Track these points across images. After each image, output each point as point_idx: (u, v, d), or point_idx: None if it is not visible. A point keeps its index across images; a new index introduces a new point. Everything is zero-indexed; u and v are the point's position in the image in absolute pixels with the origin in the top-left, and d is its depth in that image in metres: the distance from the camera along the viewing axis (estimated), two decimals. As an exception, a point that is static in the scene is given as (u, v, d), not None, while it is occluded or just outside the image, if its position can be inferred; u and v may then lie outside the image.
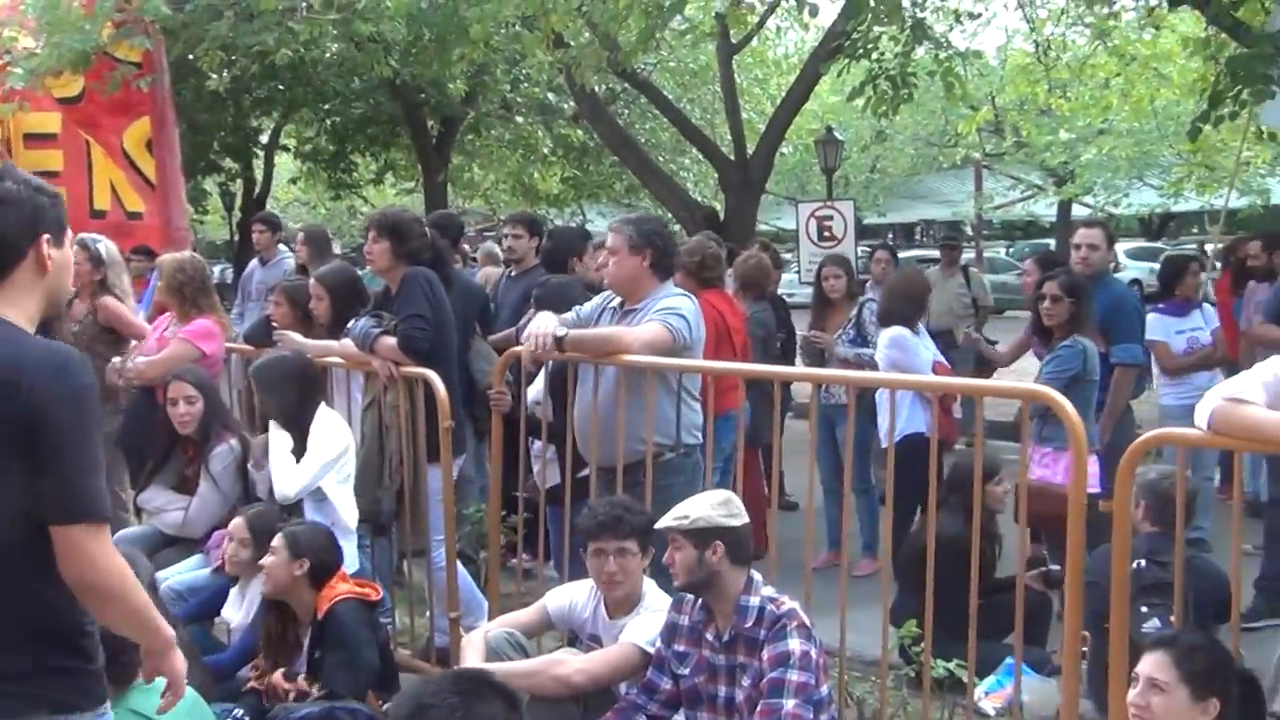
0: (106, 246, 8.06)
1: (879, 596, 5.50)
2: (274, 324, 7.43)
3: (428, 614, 6.65)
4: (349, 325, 6.59)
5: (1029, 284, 8.23)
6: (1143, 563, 5.40)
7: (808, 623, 4.62)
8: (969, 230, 43.06)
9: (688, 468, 5.92)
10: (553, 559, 6.66)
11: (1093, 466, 6.95)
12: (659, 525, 4.82)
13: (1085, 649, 5.14)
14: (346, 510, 6.14)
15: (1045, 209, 33.50)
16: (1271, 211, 25.99)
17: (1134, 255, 36.64)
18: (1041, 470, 6.96)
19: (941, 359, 8.49)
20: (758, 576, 4.80)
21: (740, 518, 4.79)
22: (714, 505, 4.77)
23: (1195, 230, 47.71)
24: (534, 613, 5.39)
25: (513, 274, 9.19)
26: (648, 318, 5.84)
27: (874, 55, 12.70)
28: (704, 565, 4.69)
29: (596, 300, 6.33)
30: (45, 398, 2.93)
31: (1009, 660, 5.73)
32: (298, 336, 6.98)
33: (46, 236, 3.14)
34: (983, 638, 5.09)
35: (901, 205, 37.80)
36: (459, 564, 6.44)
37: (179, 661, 3.28)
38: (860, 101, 12.94)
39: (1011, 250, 42.58)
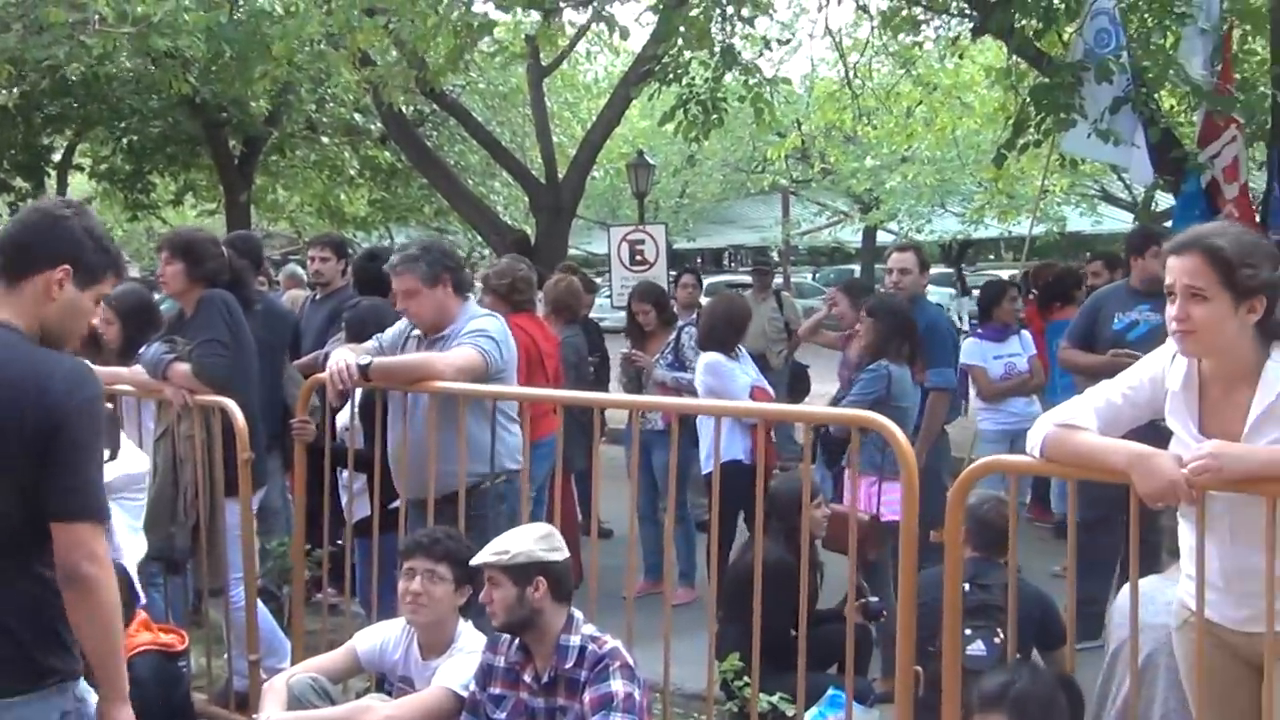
0: None
1: (697, 626, 5.34)
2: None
3: (226, 655, 6.29)
4: (140, 351, 6.21)
5: (841, 314, 8.22)
6: (966, 586, 5.34)
7: (631, 663, 4.43)
8: (775, 256, 43.65)
9: (510, 495, 5.69)
10: (358, 595, 6.36)
11: (895, 493, 6.93)
12: (475, 561, 4.59)
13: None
14: (128, 545, 5.71)
15: (851, 235, 34.08)
16: (1068, 238, 26.82)
17: (932, 281, 37.38)
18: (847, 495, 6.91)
19: (762, 383, 8.39)
20: (578, 614, 4.60)
21: (562, 552, 4.60)
22: (535, 539, 4.57)
23: (992, 257, 49.15)
24: (342, 655, 5.10)
25: (318, 297, 8.89)
26: (457, 342, 5.61)
27: (684, 80, 12.76)
28: (525, 603, 4.49)
29: (399, 326, 6.06)
30: (68, 405, 3.21)
31: (832, 691, 5.62)
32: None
33: (66, 268, 3.36)
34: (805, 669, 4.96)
35: (710, 230, 38.15)
36: (260, 602, 6.10)
37: (129, 715, 3.40)
38: (671, 126, 12.97)
39: (818, 276, 43.29)
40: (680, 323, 9.27)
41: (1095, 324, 7.71)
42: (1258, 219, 10.61)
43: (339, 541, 6.43)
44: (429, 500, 5.45)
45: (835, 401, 7.74)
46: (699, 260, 48.00)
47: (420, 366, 5.53)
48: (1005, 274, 29.62)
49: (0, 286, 3.37)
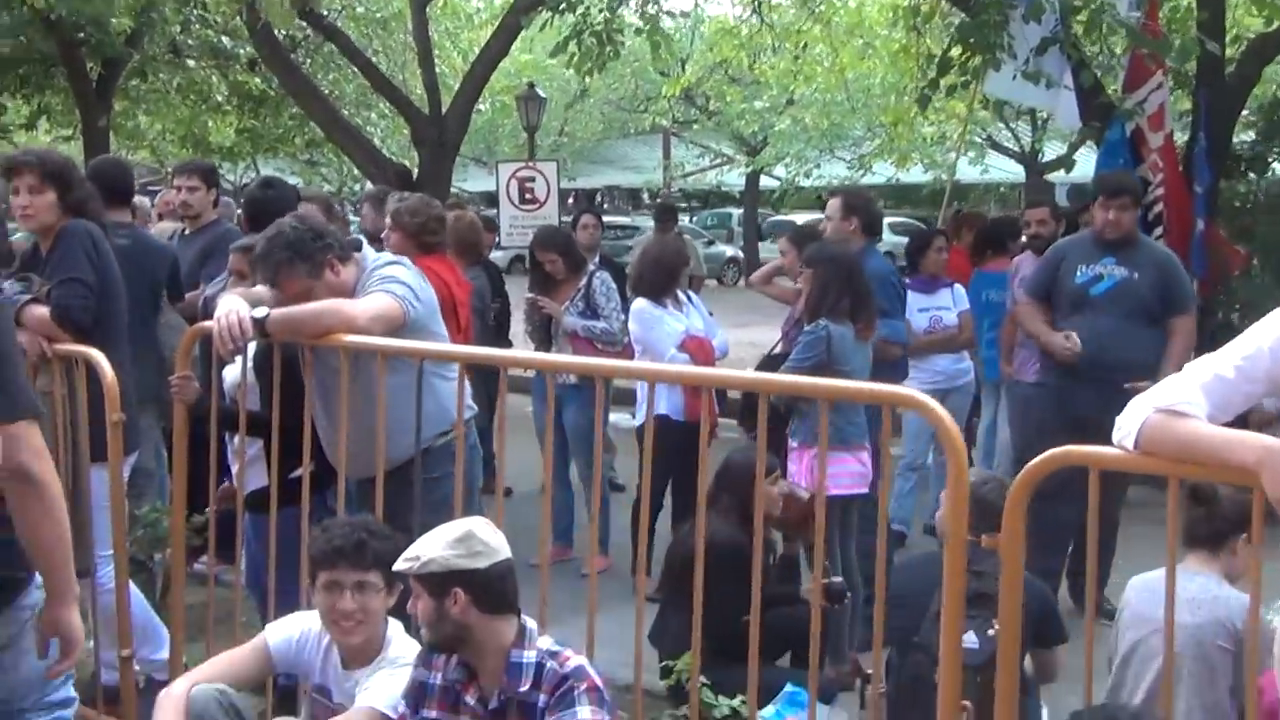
0: None
1: (614, 599, 4.59)
2: None
3: (92, 645, 5.45)
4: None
5: (790, 266, 7.50)
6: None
7: (599, 684, 3.68)
8: (646, 198, 43.00)
9: (468, 451, 4.89)
10: (249, 581, 5.54)
11: (859, 464, 6.32)
12: (396, 567, 3.83)
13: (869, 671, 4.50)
14: None
15: (735, 179, 33.40)
16: (955, 187, 26.53)
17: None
18: (792, 467, 6.28)
19: (700, 332, 7.68)
20: (532, 625, 3.82)
21: (489, 555, 3.75)
22: (448, 543, 3.73)
23: (882, 203, 49.00)
24: (251, 655, 4.27)
25: (186, 231, 7.98)
26: (365, 290, 4.84)
27: (579, 10, 12.07)
28: (445, 618, 3.71)
29: None
30: None
31: (790, 689, 5.00)
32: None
33: None
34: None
35: (588, 170, 37.31)
36: (131, 585, 5.27)
37: (78, 621, 3.39)
38: (562, 59, 12.33)
39: (695, 219, 42.67)
40: (590, 268, 8.51)
41: (1056, 276, 7.13)
42: (1181, 169, 10.22)
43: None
44: (378, 477, 4.67)
45: (769, 360, 7.09)
46: (572, 200, 47.23)
47: (328, 313, 4.70)
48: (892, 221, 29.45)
49: None
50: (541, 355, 7.79)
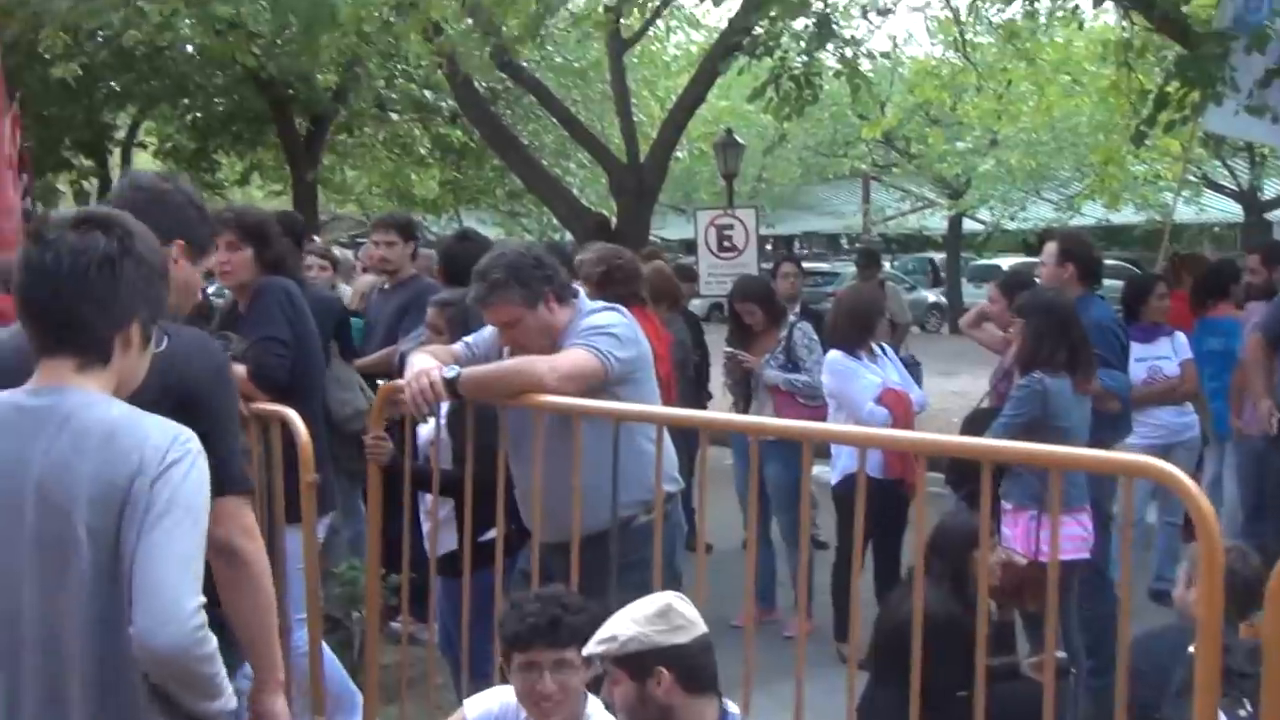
0: None
1: (818, 664, 4.26)
2: None
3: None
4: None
5: (998, 315, 7.15)
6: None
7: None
8: (844, 244, 42.45)
9: (667, 531, 4.56)
10: (441, 648, 5.40)
11: (1080, 528, 5.93)
12: (586, 651, 3.60)
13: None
14: None
15: (938, 223, 32.76)
16: (1173, 230, 25.61)
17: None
18: (1006, 530, 5.92)
19: (899, 385, 7.35)
20: (733, 709, 3.58)
21: (689, 630, 3.52)
22: (648, 619, 3.50)
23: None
24: None
25: (386, 286, 7.95)
26: (571, 341, 4.58)
27: (776, 54, 11.93)
28: (649, 702, 3.48)
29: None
30: (203, 378, 3.19)
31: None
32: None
33: (180, 243, 3.42)
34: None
35: (787, 216, 37.06)
36: (326, 648, 5.18)
37: (284, 707, 3.29)
38: (758, 104, 12.23)
39: (896, 265, 42.06)
40: (791, 319, 8.23)
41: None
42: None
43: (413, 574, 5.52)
44: (574, 544, 4.43)
45: (978, 415, 6.74)
46: (769, 247, 46.90)
47: (518, 374, 4.50)
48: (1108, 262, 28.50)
49: None
50: (743, 418, 7.43)
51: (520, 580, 4.64)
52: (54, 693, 2.57)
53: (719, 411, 8.19)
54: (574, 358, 4.48)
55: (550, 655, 3.75)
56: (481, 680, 4.66)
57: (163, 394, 2.98)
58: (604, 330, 4.56)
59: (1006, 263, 36.31)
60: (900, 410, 7.08)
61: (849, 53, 13.14)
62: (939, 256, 36.89)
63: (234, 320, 5.37)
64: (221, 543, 3.04)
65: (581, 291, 4.97)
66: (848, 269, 32.73)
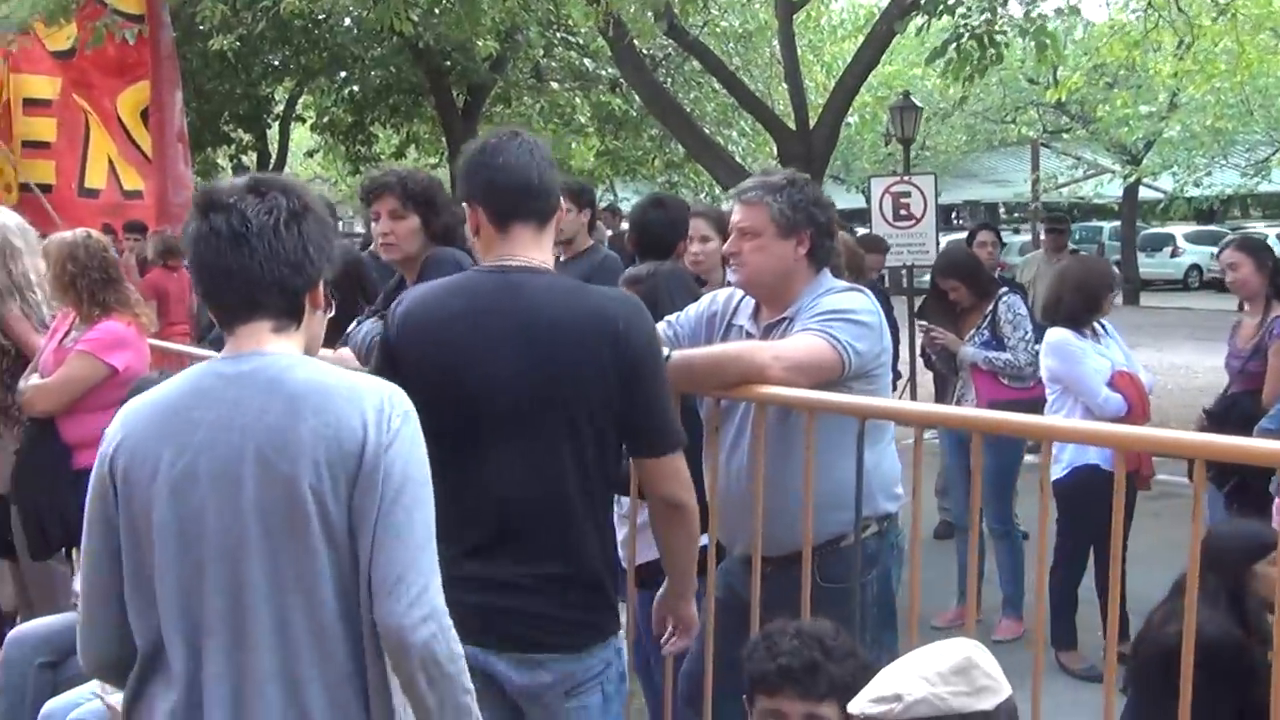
0: (5, 222, 5.83)
1: (1028, 671, 3.56)
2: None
3: None
4: (350, 328, 4.77)
5: (1243, 283, 6.38)
6: None
7: None
8: (1002, 212, 41.03)
9: (884, 553, 3.92)
10: (636, 665, 4.84)
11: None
12: (853, 709, 2.83)
13: None
14: None
15: (1113, 191, 31.36)
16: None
17: (1193, 239, 34.87)
18: (1280, 525, 5.19)
19: (1132, 367, 6.60)
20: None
21: (995, 692, 2.75)
22: (943, 677, 2.73)
23: (1237, 213, 45.81)
24: None
25: (561, 258, 7.43)
26: (800, 326, 3.85)
27: (956, 12, 11.24)
28: None
29: (702, 305, 4.24)
30: (639, 341, 3.23)
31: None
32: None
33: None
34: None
35: (952, 185, 35.97)
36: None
37: (694, 611, 3.62)
38: (924, 71, 11.48)
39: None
40: (1000, 291, 7.49)
41: None
42: None
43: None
44: (755, 557, 3.80)
45: (1226, 406, 6.01)
46: (955, 216, 45.57)
47: (737, 360, 3.78)
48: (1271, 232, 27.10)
49: (533, 227, 3.32)
50: (985, 414, 6.56)
51: (732, 599, 4.05)
52: (285, 666, 2.52)
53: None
54: (805, 345, 3.75)
55: (801, 707, 3.12)
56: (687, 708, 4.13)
57: (604, 362, 3.18)
58: (844, 315, 3.81)
59: (1180, 230, 34.94)
60: (1136, 396, 6.32)
61: (1035, 11, 12.37)
62: (1108, 225, 35.53)
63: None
64: (668, 498, 3.31)
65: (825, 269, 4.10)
66: (1013, 239, 31.66)
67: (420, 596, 2.48)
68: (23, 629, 4.93)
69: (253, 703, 2.51)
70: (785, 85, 16.72)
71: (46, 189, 11.65)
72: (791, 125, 15.59)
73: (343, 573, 2.53)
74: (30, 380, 5.56)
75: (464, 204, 3.39)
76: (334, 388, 2.55)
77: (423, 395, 2.70)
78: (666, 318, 4.17)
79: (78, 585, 4.73)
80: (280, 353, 2.60)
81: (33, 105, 11.98)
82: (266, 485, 2.49)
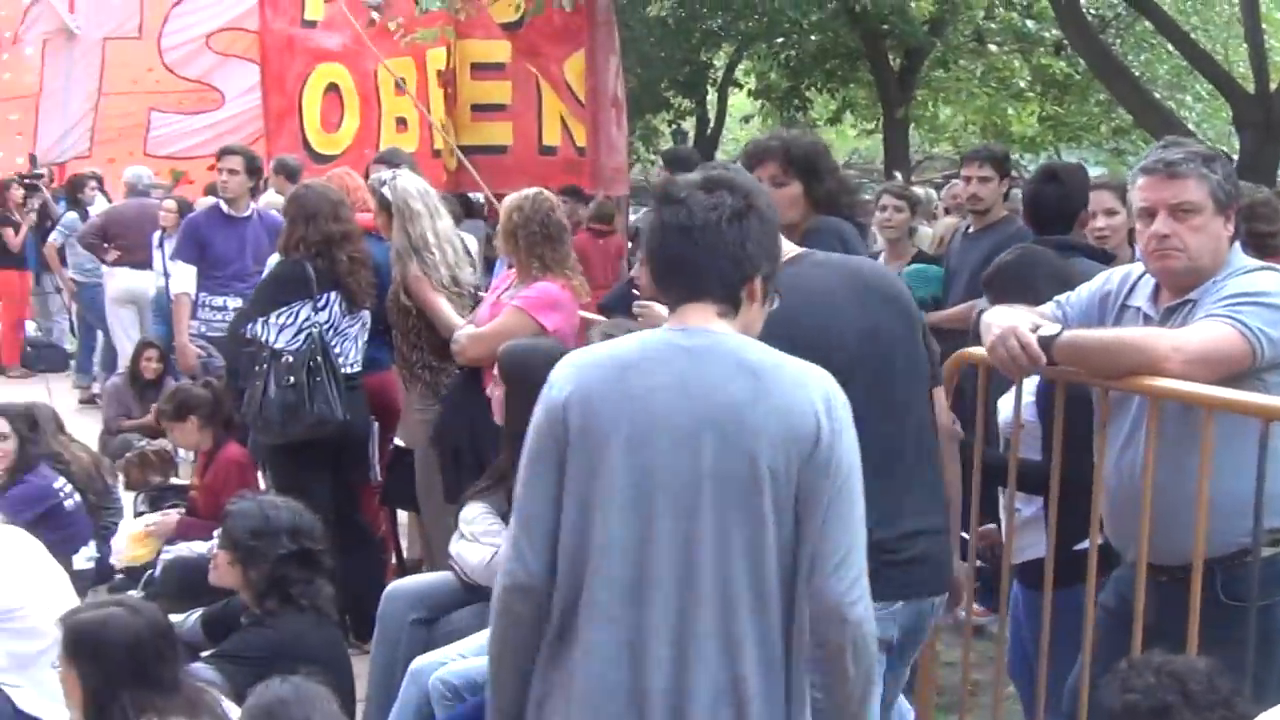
0: (405, 186, 6.16)
1: None
2: (636, 290, 5.30)
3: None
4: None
5: None
6: None
7: None
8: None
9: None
10: (1010, 666, 4.54)
11: None
12: None
13: None
14: None
15: None
16: None
17: None
18: None
19: None
20: None
21: None
22: None
23: None
24: None
25: (970, 230, 7.11)
26: (1203, 313, 3.44)
27: None
28: None
29: (1095, 284, 3.85)
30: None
31: None
32: (660, 309, 4.88)
33: None
34: None
35: None
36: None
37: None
38: None
39: None
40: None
41: None
42: None
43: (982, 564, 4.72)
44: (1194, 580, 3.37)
45: None
46: None
47: (1133, 347, 3.42)
48: None
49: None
50: None
51: (1120, 607, 3.70)
52: (725, 624, 2.70)
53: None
54: (1210, 335, 3.36)
55: None
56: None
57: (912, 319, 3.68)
58: (1256, 298, 3.37)
59: None
60: None
61: None
62: None
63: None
64: (944, 427, 3.83)
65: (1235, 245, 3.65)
66: None
67: (859, 579, 2.72)
68: (399, 584, 5.14)
69: (692, 656, 2.69)
70: (1245, 45, 15.53)
71: (501, 150, 12.10)
72: (1250, 89, 14.53)
73: (783, 545, 2.71)
74: (464, 330, 5.87)
75: None
76: (786, 370, 2.76)
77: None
78: (1055, 297, 3.84)
79: (453, 546, 4.87)
80: (729, 333, 2.80)
81: (482, 69, 12.40)
82: (725, 454, 2.68)
